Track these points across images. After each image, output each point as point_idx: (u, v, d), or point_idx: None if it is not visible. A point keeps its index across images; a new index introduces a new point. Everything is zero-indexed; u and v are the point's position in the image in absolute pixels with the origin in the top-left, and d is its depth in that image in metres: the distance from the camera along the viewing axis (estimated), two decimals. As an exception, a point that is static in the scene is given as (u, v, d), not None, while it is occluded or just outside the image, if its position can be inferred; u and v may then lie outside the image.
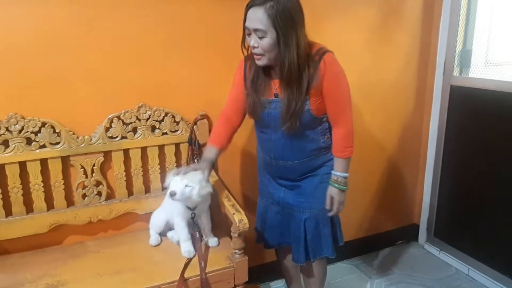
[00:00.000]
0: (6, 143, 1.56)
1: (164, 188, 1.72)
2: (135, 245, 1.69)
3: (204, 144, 1.79)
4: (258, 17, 1.33)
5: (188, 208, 1.58)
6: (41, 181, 1.62)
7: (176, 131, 1.80)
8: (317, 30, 1.61)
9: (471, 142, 2.22)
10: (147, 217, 1.75)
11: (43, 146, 1.61)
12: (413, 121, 2.45)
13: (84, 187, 1.70)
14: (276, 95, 1.50)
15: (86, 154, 1.67)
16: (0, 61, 1.52)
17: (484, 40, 2.26)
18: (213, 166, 1.63)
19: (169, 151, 1.81)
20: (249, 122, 1.65)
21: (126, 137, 1.72)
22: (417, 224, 2.64)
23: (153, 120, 1.75)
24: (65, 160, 1.65)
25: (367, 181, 2.41)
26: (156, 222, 1.71)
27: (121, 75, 1.69)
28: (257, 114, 1.53)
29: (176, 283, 1.44)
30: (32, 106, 1.58)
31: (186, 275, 1.47)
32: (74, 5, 1.57)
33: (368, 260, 2.45)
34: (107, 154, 1.71)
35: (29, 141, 1.59)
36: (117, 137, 1.71)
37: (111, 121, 1.69)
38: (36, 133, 1.59)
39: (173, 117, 1.78)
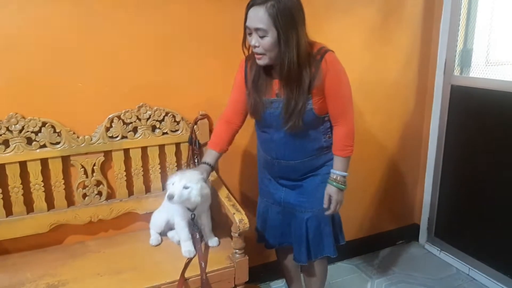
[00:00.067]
0: (6, 143, 1.56)
1: (164, 188, 1.72)
2: (135, 245, 1.69)
3: (205, 144, 1.79)
4: (259, 16, 1.33)
5: (188, 209, 1.57)
6: (42, 181, 1.62)
7: (176, 130, 1.80)
8: (318, 30, 1.61)
9: (472, 141, 2.22)
10: (147, 217, 1.75)
11: (44, 146, 1.61)
12: (414, 120, 2.45)
13: (84, 187, 1.70)
14: (277, 95, 1.50)
15: (86, 153, 1.67)
16: (0, 61, 1.52)
17: (485, 40, 2.25)
18: (213, 169, 1.63)
19: (170, 151, 1.81)
20: (249, 122, 1.65)
21: (126, 137, 1.72)
22: (417, 224, 2.64)
23: (154, 120, 1.75)
24: (65, 160, 1.65)
25: (367, 181, 2.41)
26: (157, 222, 1.71)
27: (121, 75, 1.69)
28: (258, 114, 1.53)
29: (177, 283, 1.44)
30: (33, 106, 1.58)
31: (186, 275, 1.46)
32: (74, 5, 1.57)
33: (368, 260, 2.45)
34: (107, 153, 1.71)
35: (29, 141, 1.59)
36: (117, 136, 1.71)
37: (112, 121, 1.69)
38: (36, 133, 1.59)
39: (174, 116, 1.78)
